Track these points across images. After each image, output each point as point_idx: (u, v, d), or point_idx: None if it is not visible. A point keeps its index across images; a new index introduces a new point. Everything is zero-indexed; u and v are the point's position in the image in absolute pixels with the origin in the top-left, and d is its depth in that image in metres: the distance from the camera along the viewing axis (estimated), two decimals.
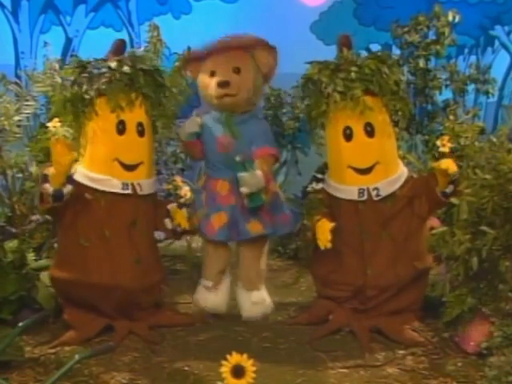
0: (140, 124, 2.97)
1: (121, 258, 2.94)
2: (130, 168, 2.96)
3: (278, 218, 3.17)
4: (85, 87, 2.91)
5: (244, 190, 2.94)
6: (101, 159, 2.95)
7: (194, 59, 3.17)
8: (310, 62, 3.08)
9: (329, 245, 2.92)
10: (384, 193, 3.00)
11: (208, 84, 3.08)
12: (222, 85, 3.01)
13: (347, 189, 3.03)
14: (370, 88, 2.95)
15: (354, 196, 3.00)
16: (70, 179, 2.86)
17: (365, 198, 2.99)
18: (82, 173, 2.95)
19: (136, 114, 2.97)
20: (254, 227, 3.09)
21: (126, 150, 2.96)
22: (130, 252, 2.96)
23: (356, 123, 2.98)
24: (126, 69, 2.91)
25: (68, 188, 2.82)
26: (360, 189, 2.99)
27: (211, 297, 3.19)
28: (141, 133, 2.98)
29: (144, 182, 2.99)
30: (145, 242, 3.03)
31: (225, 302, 3.21)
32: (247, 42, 3.10)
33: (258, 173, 2.96)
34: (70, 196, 2.83)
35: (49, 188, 2.80)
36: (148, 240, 3.07)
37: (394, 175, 3.03)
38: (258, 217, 3.09)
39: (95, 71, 2.92)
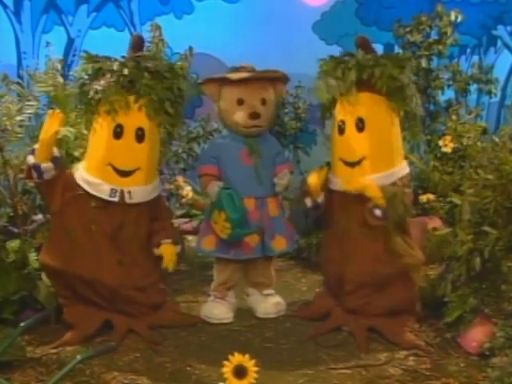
0: (140, 129, 2.88)
1: (103, 256, 2.93)
2: (123, 174, 2.90)
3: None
4: (88, 86, 2.88)
5: (277, 188, 3.14)
6: (96, 162, 2.91)
7: (216, 81, 3.19)
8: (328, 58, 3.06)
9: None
10: None
11: (234, 111, 3.14)
12: (254, 116, 3.11)
13: (337, 181, 3.04)
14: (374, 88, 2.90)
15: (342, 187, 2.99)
16: (55, 160, 2.85)
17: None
18: (80, 172, 2.94)
19: (135, 119, 2.88)
20: (279, 244, 3.20)
21: (121, 155, 2.89)
22: (112, 252, 2.95)
23: (349, 117, 2.96)
24: (125, 71, 2.83)
25: (48, 165, 2.82)
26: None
27: (219, 307, 3.22)
28: (140, 138, 2.89)
29: (138, 189, 2.92)
30: (131, 246, 2.99)
31: (232, 312, 3.24)
32: (274, 76, 3.20)
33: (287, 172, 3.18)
34: (51, 176, 2.84)
35: (30, 160, 2.83)
36: (136, 245, 3.01)
37: (384, 171, 2.96)
38: (283, 231, 3.20)
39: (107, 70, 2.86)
